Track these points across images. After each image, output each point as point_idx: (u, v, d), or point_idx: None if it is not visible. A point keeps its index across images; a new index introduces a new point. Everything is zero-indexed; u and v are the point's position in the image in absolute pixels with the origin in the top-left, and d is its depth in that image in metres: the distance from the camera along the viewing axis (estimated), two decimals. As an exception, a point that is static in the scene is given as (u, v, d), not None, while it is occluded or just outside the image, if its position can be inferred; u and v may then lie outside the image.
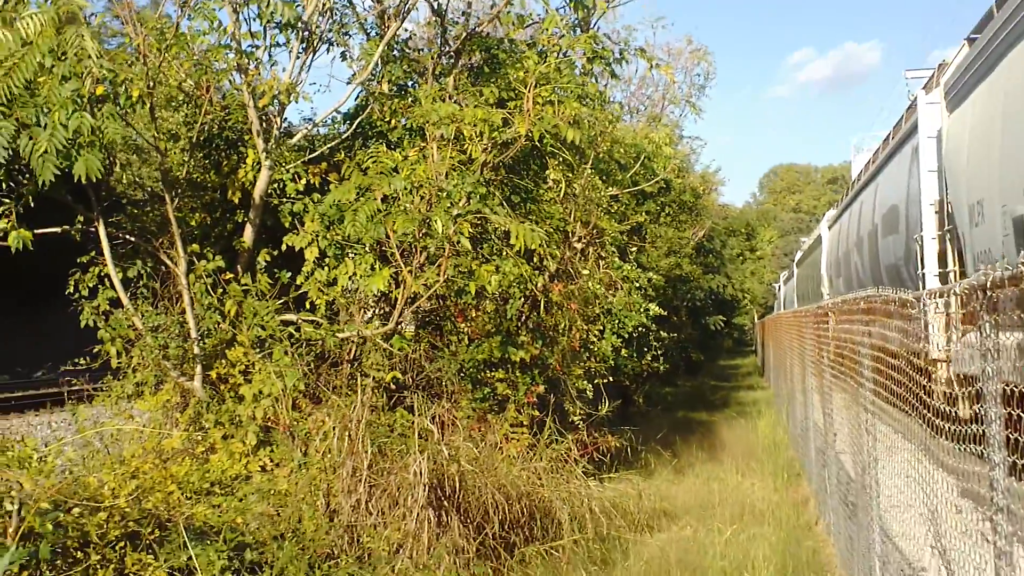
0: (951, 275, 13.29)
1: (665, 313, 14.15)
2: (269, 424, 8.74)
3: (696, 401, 27.92)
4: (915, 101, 14.95)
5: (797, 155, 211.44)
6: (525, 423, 9.97)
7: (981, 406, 3.42)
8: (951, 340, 11.49)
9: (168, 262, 8.91)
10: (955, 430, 4.83)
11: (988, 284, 3.19)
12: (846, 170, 70.82)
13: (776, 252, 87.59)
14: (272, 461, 8.70)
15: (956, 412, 5.11)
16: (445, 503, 8.07)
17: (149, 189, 9.20)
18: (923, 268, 14.11)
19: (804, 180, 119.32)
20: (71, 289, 9.03)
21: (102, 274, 8.93)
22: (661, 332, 15.18)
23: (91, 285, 9.00)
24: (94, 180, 7.37)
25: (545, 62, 9.33)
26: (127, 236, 9.09)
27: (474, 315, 10.67)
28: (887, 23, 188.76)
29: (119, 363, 9.06)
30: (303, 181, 8.91)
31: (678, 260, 25.27)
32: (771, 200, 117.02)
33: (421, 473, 7.80)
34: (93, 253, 8.90)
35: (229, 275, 8.91)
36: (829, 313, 10.72)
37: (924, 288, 13.57)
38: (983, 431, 3.39)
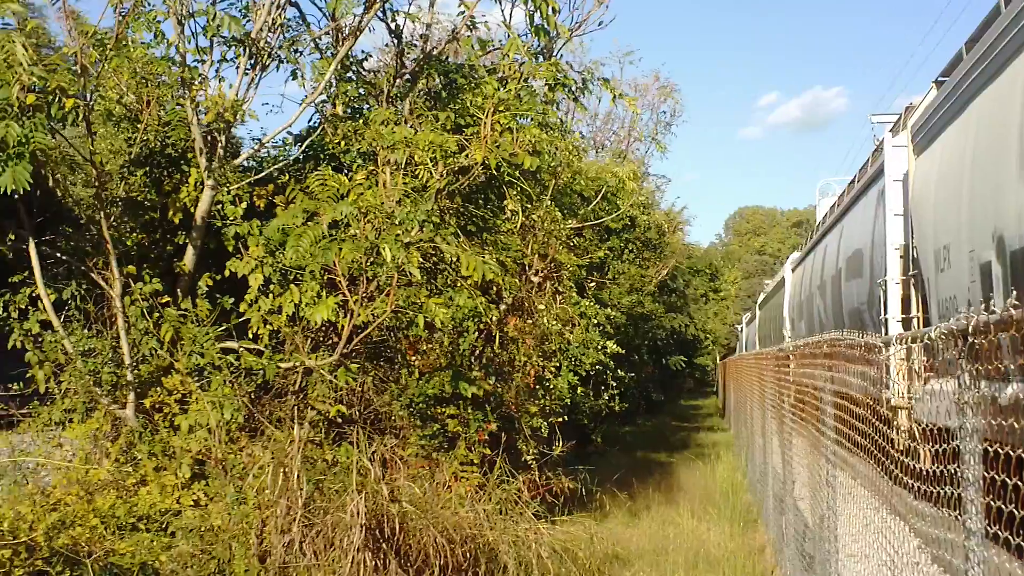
0: (915, 321, 13.12)
1: (624, 352, 13.83)
2: (204, 457, 8.31)
3: (656, 441, 27.63)
4: (881, 144, 14.83)
5: (763, 197, 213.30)
6: (476, 462, 9.60)
7: (958, 466, 3.07)
8: (912, 387, 11.27)
9: (103, 284, 8.47)
10: (914, 482, 4.55)
11: (970, 329, 2.83)
12: (811, 214, 71.34)
13: (740, 294, 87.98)
14: (207, 496, 8.27)
15: (916, 463, 4.83)
16: (384, 545, 7.66)
17: (85, 207, 8.74)
18: (886, 313, 13.95)
19: (769, 222, 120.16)
20: (0, 310, 8.54)
21: (33, 295, 8.45)
22: (620, 371, 14.86)
23: (22, 306, 8.52)
24: (22, 193, 6.96)
25: (505, 88, 9.03)
26: (60, 255, 8.63)
27: (426, 348, 10.31)
28: (853, 70, 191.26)
29: (47, 388, 8.58)
30: (243, 204, 8.51)
31: (640, 298, 24.99)
32: (736, 241, 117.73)
33: (359, 513, 7.40)
34: (25, 273, 8.44)
35: (167, 299, 8.48)
36: (790, 356, 10.46)
37: (887, 332, 13.40)
38: (959, 494, 3.03)
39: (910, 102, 14.30)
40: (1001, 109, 9.04)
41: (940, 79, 12.18)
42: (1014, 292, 2.99)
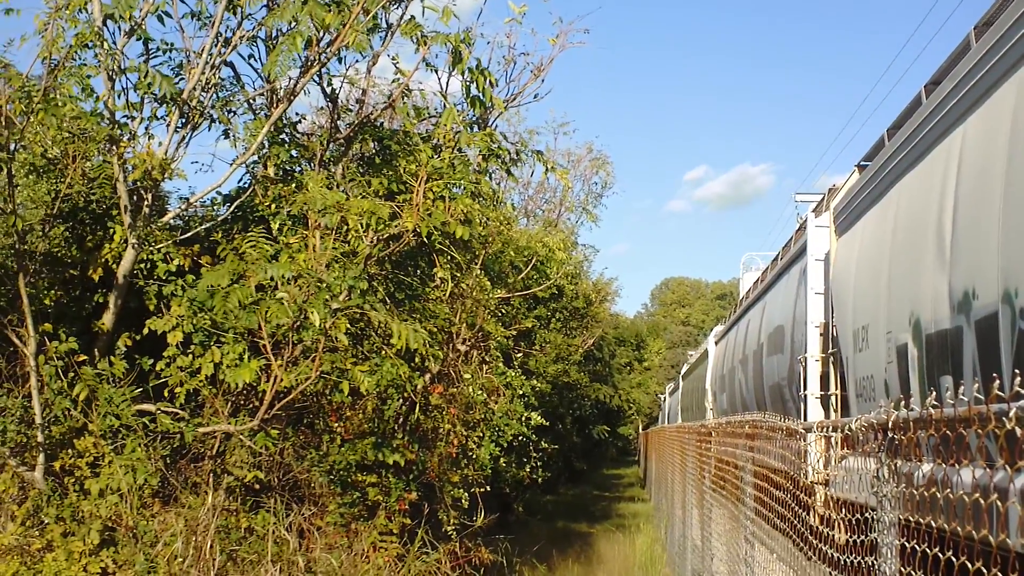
0: (833, 397, 13.31)
1: (547, 424, 13.77)
2: (114, 523, 8.03)
3: (577, 511, 27.54)
4: (805, 223, 15.11)
5: (689, 269, 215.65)
6: (395, 532, 9.43)
7: (875, 559, 3.07)
8: (829, 466, 11.37)
9: (16, 341, 8.20)
10: (831, 551, 4.58)
11: (889, 424, 2.84)
12: (735, 286, 72.54)
13: (663, 364, 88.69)
14: (115, 563, 7.97)
15: (832, 532, 4.86)
16: (299, 619, 7.47)
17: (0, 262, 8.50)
18: (805, 389, 14.12)
19: (694, 294, 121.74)
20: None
21: (-61, 350, 8.16)
22: (543, 443, 14.78)
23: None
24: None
25: (439, 156, 9.05)
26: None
27: (349, 414, 10.15)
28: (780, 148, 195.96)
29: (-50, 448, 8.25)
30: (175, 262, 8.35)
31: (566, 367, 25.03)
32: (662, 312, 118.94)
33: (273, 585, 7.21)
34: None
35: (82, 357, 8.24)
36: (712, 432, 10.52)
37: (805, 408, 13.56)
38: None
39: (833, 184, 14.63)
40: (920, 196, 9.26)
41: (862, 163, 12.47)
42: (933, 392, 3.03)
